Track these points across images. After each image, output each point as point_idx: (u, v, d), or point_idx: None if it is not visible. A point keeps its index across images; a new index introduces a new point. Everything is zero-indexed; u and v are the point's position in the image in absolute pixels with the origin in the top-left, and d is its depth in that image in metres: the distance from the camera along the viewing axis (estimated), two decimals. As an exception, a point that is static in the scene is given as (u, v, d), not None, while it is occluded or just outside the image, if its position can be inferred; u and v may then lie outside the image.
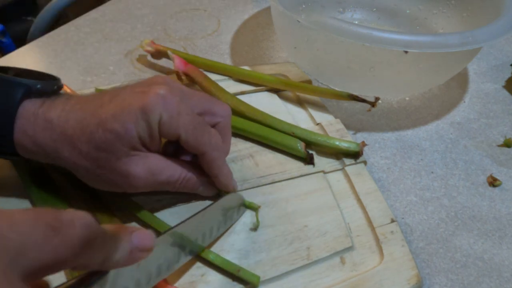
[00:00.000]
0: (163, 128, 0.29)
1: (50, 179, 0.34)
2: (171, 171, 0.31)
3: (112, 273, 0.23)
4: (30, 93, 0.29)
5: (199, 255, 0.31)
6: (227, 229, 0.34)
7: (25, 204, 0.33)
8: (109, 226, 0.22)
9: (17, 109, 0.29)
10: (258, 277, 0.30)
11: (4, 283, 0.17)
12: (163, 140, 0.32)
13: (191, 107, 0.31)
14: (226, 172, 0.34)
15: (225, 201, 0.33)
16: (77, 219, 0.20)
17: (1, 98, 0.29)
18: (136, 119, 0.28)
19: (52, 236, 0.19)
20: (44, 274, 0.19)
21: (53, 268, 0.19)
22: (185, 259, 0.30)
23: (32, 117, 0.29)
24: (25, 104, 0.29)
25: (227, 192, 0.34)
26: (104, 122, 0.28)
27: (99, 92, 0.31)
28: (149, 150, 0.30)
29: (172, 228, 0.28)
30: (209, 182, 0.34)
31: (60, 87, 0.32)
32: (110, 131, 0.28)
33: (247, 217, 0.35)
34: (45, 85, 0.30)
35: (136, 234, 0.23)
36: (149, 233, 0.23)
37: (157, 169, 0.30)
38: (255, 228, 0.34)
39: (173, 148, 0.34)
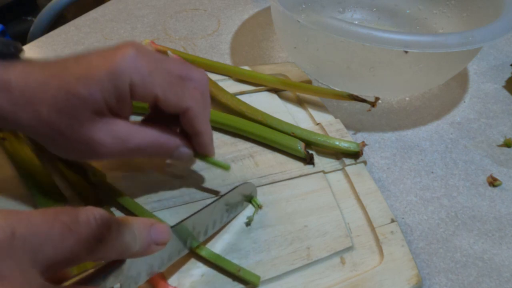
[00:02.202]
0: (136, 90, 0.27)
1: (50, 179, 0.34)
2: (141, 136, 0.29)
3: (128, 260, 0.23)
4: None
5: (199, 255, 0.31)
6: (230, 221, 0.34)
7: (24, 204, 0.33)
8: (127, 219, 0.22)
9: None
10: (259, 277, 0.30)
11: (25, 281, 0.18)
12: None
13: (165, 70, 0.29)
14: (210, 131, 0.32)
15: (236, 192, 0.33)
16: (94, 218, 0.20)
17: None
18: (102, 82, 0.26)
19: (68, 236, 0.19)
20: (63, 268, 0.20)
21: (71, 263, 0.20)
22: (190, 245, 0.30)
23: None
24: None
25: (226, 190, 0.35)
26: (68, 84, 0.26)
27: (65, 56, 0.29)
28: (117, 116, 0.28)
29: (184, 219, 0.29)
30: (184, 146, 0.32)
31: (19, 50, 0.30)
32: (74, 94, 0.26)
33: (248, 216, 0.35)
34: (2, 46, 0.28)
35: (154, 228, 0.23)
36: (166, 228, 0.24)
37: (126, 135, 0.28)
38: (248, 223, 0.34)
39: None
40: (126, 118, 0.30)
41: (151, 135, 0.30)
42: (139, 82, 0.27)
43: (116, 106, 0.28)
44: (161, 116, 0.31)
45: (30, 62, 0.28)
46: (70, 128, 0.27)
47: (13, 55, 0.30)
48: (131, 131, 0.29)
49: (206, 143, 0.32)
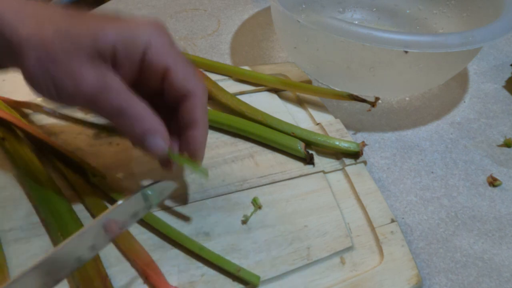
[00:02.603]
0: (151, 54, 0.27)
1: (49, 179, 0.34)
2: (126, 100, 0.27)
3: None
4: None
5: (199, 255, 0.31)
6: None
7: (24, 204, 0.33)
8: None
9: None
10: (258, 277, 0.30)
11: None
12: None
13: None
14: (206, 131, 0.31)
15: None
16: None
17: None
18: (121, 32, 0.26)
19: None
20: None
21: None
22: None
23: None
24: None
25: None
26: (88, 18, 0.26)
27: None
28: (117, 72, 0.27)
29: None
30: (162, 137, 0.29)
31: None
32: (88, 28, 0.25)
33: (252, 216, 0.35)
34: None
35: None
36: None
37: (111, 89, 0.26)
38: (245, 221, 0.34)
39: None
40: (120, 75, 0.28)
41: (136, 106, 0.27)
42: (157, 47, 0.27)
43: (122, 63, 0.27)
44: (158, 102, 0.30)
45: None
46: (67, 57, 0.25)
47: None
48: (119, 88, 0.27)
49: (199, 141, 0.30)
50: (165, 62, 0.27)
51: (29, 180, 0.34)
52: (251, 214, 0.35)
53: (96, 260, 0.30)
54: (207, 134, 0.31)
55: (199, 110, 0.30)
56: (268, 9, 0.67)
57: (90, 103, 0.27)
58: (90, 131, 0.40)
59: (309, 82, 0.49)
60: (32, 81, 0.26)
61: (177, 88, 0.29)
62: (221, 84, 0.45)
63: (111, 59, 0.26)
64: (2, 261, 0.29)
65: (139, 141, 0.28)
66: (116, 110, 0.27)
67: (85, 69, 0.26)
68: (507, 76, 0.57)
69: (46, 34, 0.25)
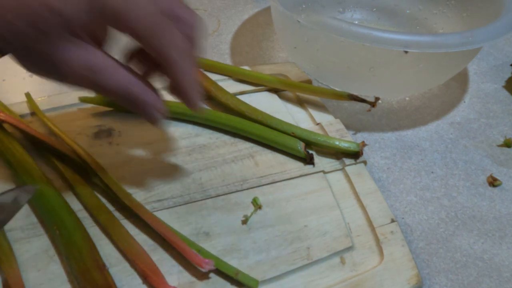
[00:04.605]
0: (117, 17, 0.24)
1: (47, 180, 0.34)
2: (114, 78, 0.26)
3: None
4: None
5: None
6: None
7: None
8: None
9: None
10: (257, 281, 0.30)
11: None
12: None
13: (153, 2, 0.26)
14: (193, 83, 0.29)
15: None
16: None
17: None
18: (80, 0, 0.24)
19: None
20: None
21: None
22: None
23: None
24: None
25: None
26: None
27: None
28: (93, 41, 0.26)
29: None
30: (159, 105, 0.29)
31: None
32: (49, 5, 0.23)
33: (252, 216, 0.35)
34: None
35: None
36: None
37: (97, 68, 0.25)
38: (245, 221, 0.34)
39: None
40: (100, 43, 0.27)
41: (124, 80, 0.27)
42: (122, 7, 0.24)
43: (93, 29, 0.25)
44: (145, 56, 0.29)
45: None
46: (39, 44, 0.24)
47: None
48: (104, 65, 0.26)
49: (189, 96, 0.29)
50: (131, 24, 0.25)
51: (21, 176, 0.34)
52: (251, 214, 0.35)
53: (93, 250, 0.30)
54: (195, 86, 0.29)
55: (177, 71, 0.28)
56: (268, 9, 0.67)
57: (79, 83, 0.26)
58: (90, 131, 0.40)
59: (309, 82, 0.49)
60: (28, 69, 0.26)
61: (151, 51, 0.27)
62: (221, 84, 0.45)
63: (82, 29, 0.25)
64: (9, 253, 0.29)
65: (136, 110, 0.28)
66: (106, 90, 0.27)
67: (60, 51, 0.25)
68: (507, 76, 0.57)
69: (14, 26, 0.24)
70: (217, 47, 0.58)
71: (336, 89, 0.48)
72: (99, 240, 0.31)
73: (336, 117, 0.45)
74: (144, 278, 0.30)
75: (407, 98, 0.52)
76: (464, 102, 0.53)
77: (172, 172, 0.37)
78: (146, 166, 0.37)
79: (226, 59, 0.56)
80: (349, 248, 0.34)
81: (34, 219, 0.33)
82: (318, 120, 0.44)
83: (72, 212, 0.32)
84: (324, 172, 0.39)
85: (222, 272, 0.30)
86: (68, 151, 0.36)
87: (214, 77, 0.47)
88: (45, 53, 0.25)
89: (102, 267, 0.29)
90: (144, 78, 0.28)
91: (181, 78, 0.28)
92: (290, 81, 0.47)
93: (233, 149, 0.40)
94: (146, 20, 0.25)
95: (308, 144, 0.41)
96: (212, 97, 0.44)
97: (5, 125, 0.37)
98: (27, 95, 0.41)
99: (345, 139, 0.41)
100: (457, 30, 0.53)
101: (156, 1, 0.26)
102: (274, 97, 0.47)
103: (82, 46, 0.25)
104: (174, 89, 0.30)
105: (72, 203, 0.33)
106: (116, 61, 0.27)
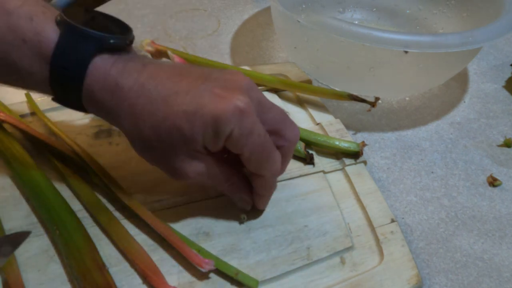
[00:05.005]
0: (230, 142, 0.28)
1: (47, 180, 0.34)
2: (221, 178, 0.31)
3: None
4: (102, 49, 0.27)
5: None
6: None
7: (24, 204, 0.33)
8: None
9: (87, 66, 0.27)
10: (257, 281, 0.30)
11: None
12: None
13: (263, 123, 0.29)
14: (271, 195, 0.34)
15: None
16: None
17: (71, 53, 0.26)
18: (206, 126, 0.27)
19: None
20: None
21: None
22: None
23: (102, 78, 0.27)
24: (96, 62, 0.27)
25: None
26: (174, 116, 0.27)
27: (178, 67, 0.30)
28: (208, 152, 0.29)
29: None
30: (247, 196, 0.33)
31: (132, 40, 0.30)
32: (177, 128, 0.27)
33: (252, 216, 0.35)
34: (118, 41, 0.28)
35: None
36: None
37: (209, 174, 0.30)
38: (242, 221, 0.34)
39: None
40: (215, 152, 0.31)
41: (228, 179, 0.32)
42: (237, 137, 0.27)
43: (211, 147, 0.29)
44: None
45: (144, 66, 0.28)
46: (165, 153, 0.29)
47: (127, 47, 0.29)
48: (215, 172, 0.30)
49: (262, 203, 0.34)
50: (241, 150, 0.28)
51: (21, 176, 0.34)
52: (251, 214, 0.34)
53: (93, 250, 0.30)
54: (270, 195, 0.34)
55: (266, 187, 0.33)
56: (268, 9, 0.67)
57: (191, 183, 0.32)
58: (90, 131, 0.40)
59: (309, 82, 0.49)
60: (143, 156, 0.31)
61: (249, 168, 0.31)
62: (221, 84, 0.45)
63: (202, 146, 0.29)
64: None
65: (233, 199, 0.34)
66: (211, 185, 0.32)
67: (182, 164, 0.29)
68: (507, 76, 0.57)
69: (143, 132, 0.28)
70: (217, 47, 0.58)
71: (336, 89, 0.48)
72: (99, 240, 0.31)
73: (336, 117, 0.45)
74: (144, 278, 0.30)
75: (407, 98, 0.52)
76: (464, 102, 0.53)
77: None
78: (146, 166, 0.37)
79: (226, 59, 0.56)
80: (349, 248, 0.34)
81: (34, 219, 0.33)
82: (318, 120, 0.44)
83: (72, 212, 0.32)
84: (324, 172, 0.39)
85: (222, 272, 0.30)
86: (68, 151, 0.36)
87: (214, 77, 0.47)
88: (169, 160, 0.29)
89: (102, 267, 0.29)
90: (243, 176, 0.33)
91: (264, 193, 0.33)
92: (290, 81, 0.47)
93: (233, 149, 0.40)
94: (255, 147, 0.28)
95: (308, 144, 0.41)
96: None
97: (5, 125, 0.37)
98: (27, 95, 0.41)
99: (345, 139, 0.41)
100: (457, 30, 0.53)
101: (267, 121, 0.29)
102: (274, 97, 0.47)
103: (199, 158, 0.29)
104: (252, 186, 0.33)
105: (72, 203, 0.33)
106: (224, 167, 0.31)
